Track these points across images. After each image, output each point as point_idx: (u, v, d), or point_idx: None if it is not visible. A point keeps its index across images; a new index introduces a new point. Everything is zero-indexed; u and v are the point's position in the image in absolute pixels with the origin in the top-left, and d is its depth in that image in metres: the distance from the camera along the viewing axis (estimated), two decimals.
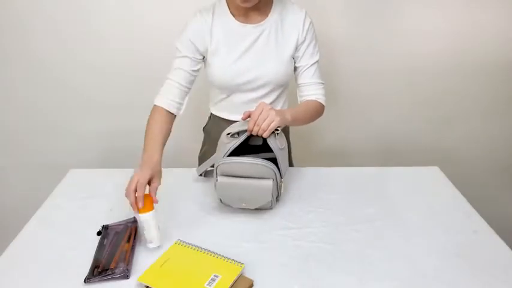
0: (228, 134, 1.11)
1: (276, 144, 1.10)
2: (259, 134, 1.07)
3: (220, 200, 1.14)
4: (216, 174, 1.09)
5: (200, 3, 1.27)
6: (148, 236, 0.98)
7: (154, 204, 1.00)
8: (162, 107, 1.21)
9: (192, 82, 1.26)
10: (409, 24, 1.82)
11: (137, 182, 0.99)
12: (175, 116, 1.25)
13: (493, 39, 1.84)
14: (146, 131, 1.19)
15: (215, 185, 1.10)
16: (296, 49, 1.26)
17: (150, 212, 0.97)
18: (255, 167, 1.05)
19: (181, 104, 1.25)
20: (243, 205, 1.11)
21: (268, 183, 1.06)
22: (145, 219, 0.97)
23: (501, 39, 1.84)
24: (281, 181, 1.12)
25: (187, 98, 1.26)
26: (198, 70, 1.26)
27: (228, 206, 1.14)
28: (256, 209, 1.14)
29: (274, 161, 1.09)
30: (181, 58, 1.24)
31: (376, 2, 1.77)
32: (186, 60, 1.23)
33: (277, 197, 1.15)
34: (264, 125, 1.06)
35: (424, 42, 1.84)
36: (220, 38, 1.23)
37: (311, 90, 1.30)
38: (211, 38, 1.23)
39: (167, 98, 1.22)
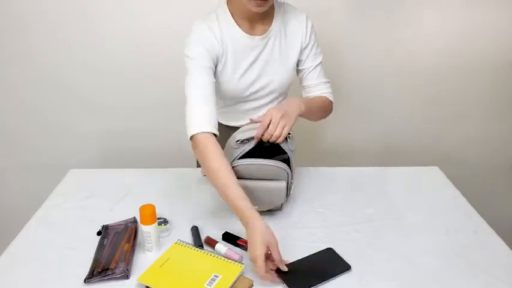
0: (237, 141, 1.07)
1: (288, 146, 1.09)
2: (271, 140, 1.04)
3: None
4: None
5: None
6: (148, 245, 0.99)
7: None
8: (208, 133, 1.04)
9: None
10: (409, 25, 1.82)
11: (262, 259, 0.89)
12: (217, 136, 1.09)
13: (492, 39, 1.84)
14: (218, 172, 1.00)
15: None
16: (300, 54, 1.25)
17: (153, 225, 0.98)
18: (271, 169, 1.04)
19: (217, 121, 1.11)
20: (255, 207, 1.11)
21: (282, 185, 1.06)
22: (148, 231, 0.98)
23: (501, 39, 1.84)
24: (291, 182, 1.11)
25: None
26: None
27: None
28: (267, 210, 1.14)
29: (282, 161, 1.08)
30: (204, 70, 1.11)
31: (377, 4, 1.77)
32: (209, 71, 1.12)
33: (286, 197, 1.14)
34: (277, 132, 1.03)
35: (424, 43, 1.84)
36: (228, 52, 1.17)
37: (318, 91, 1.28)
38: (222, 50, 1.16)
39: (211, 118, 1.06)
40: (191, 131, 1.05)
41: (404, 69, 1.89)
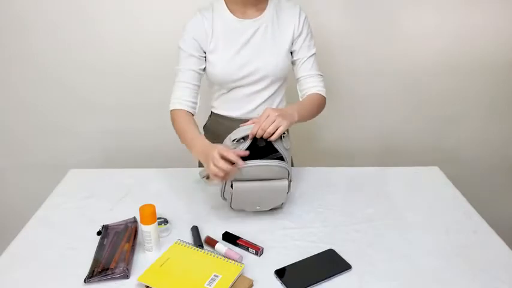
0: (234, 140, 1.08)
1: (283, 145, 1.10)
2: (264, 137, 1.06)
3: (231, 205, 1.11)
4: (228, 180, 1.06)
5: (199, 4, 1.27)
6: (148, 245, 0.99)
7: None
8: (180, 109, 1.23)
9: (200, 80, 1.28)
10: (409, 24, 1.82)
11: (218, 157, 1.00)
12: (194, 115, 1.27)
13: (492, 39, 1.84)
14: (180, 132, 1.20)
15: (224, 192, 1.09)
16: (292, 43, 1.28)
17: (153, 225, 0.98)
18: (272, 169, 1.05)
19: (195, 103, 1.27)
20: (257, 208, 1.11)
21: (284, 184, 1.07)
22: (148, 231, 0.98)
23: (500, 39, 1.84)
24: (290, 180, 1.12)
25: (199, 96, 1.28)
26: (204, 68, 1.27)
27: (241, 210, 1.13)
28: (268, 210, 1.14)
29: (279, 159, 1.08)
30: (187, 58, 1.25)
31: (376, 3, 1.77)
32: (192, 60, 1.25)
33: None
34: (270, 129, 1.05)
35: (424, 43, 1.84)
36: (219, 35, 1.25)
37: (311, 83, 1.30)
38: (212, 34, 1.24)
39: (183, 100, 1.24)
40: (169, 107, 1.26)
41: (403, 69, 1.89)
